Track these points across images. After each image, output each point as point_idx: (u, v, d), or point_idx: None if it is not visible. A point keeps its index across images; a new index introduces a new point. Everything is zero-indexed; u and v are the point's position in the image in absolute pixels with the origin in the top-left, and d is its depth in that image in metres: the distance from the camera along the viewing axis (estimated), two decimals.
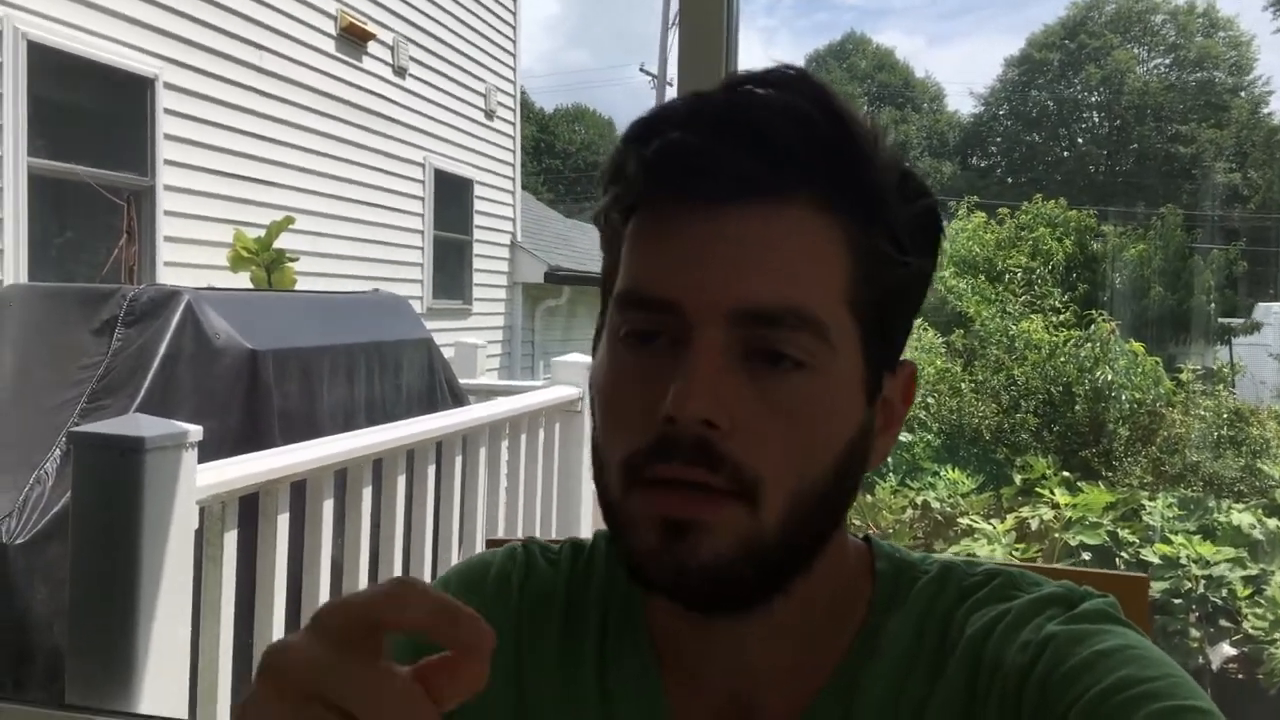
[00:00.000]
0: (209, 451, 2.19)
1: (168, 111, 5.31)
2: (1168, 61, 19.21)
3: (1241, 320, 9.57)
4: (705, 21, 1.38)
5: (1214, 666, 4.81)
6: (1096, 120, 19.97)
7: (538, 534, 3.77)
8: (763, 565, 0.57)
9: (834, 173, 0.57)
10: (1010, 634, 0.59)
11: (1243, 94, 18.21)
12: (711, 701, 0.64)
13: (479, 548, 3.31)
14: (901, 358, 0.64)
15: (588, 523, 4.07)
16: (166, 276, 5.13)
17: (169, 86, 5.31)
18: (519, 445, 3.63)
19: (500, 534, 3.44)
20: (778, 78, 0.59)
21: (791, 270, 0.56)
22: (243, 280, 4.85)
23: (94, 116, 5.16)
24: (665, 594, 0.58)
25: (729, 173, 0.55)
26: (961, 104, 25.02)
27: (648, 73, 16.53)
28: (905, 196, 0.60)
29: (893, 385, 0.63)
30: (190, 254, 5.35)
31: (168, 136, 5.31)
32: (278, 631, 2.39)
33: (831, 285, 0.57)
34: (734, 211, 0.56)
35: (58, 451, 2.36)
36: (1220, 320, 9.39)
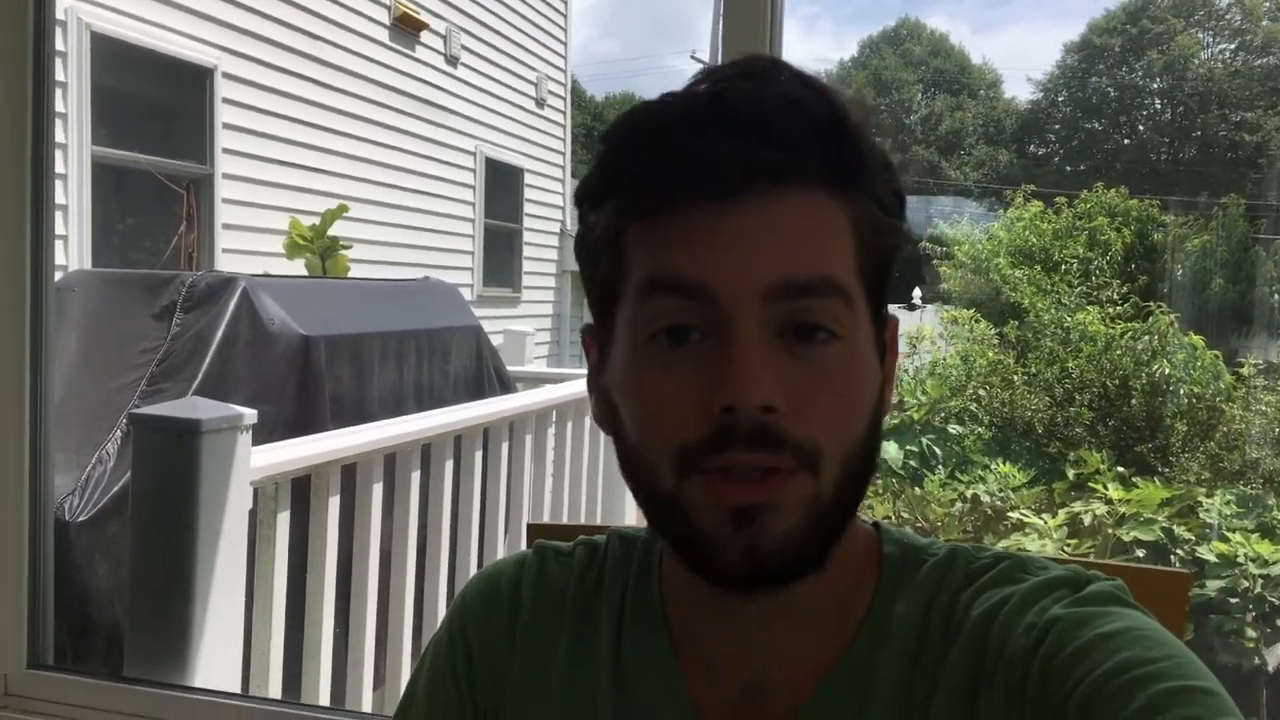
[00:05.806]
0: (263, 434, 2.24)
1: (226, 101, 5.41)
2: (1233, 46, 18.64)
3: None
4: (750, 9, 1.40)
5: (1270, 668, 4.70)
6: (1159, 107, 19.47)
7: (582, 520, 3.78)
8: (824, 529, 0.58)
9: (831, 151, 0.58)
10: (1015, 617, 0.59)
11: None
12: (727, 685, 0.65)
13: (524, 534, 3.35)
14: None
15: (631, 510, 4.09)
16: (224, 263, 5.24)
17: (227, 76, 5.42)
18: (565, 432, 3.65)
19: (546, 518, 3.47)
20: (755, 68, 0.60)
21: (812, 244, 0.58)
22: (298, 267, 4.94)
23: (155, 106, 5.27)
24: (733, 577, 0.58)
25: (735, 166, 0.56)
26: (1019, 90, 24.53)
27: (699, 60, 16.45)
28: (885, 163, 0.62)
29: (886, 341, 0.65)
30: (247, 241, 5.46)
31: (226, 125, 5.41)
32: (328, 610, 2.44)
33: (846, 257, 0.59)
34: (743, 204, 0.57)
35: (119, 432, 2.43)
36: None
